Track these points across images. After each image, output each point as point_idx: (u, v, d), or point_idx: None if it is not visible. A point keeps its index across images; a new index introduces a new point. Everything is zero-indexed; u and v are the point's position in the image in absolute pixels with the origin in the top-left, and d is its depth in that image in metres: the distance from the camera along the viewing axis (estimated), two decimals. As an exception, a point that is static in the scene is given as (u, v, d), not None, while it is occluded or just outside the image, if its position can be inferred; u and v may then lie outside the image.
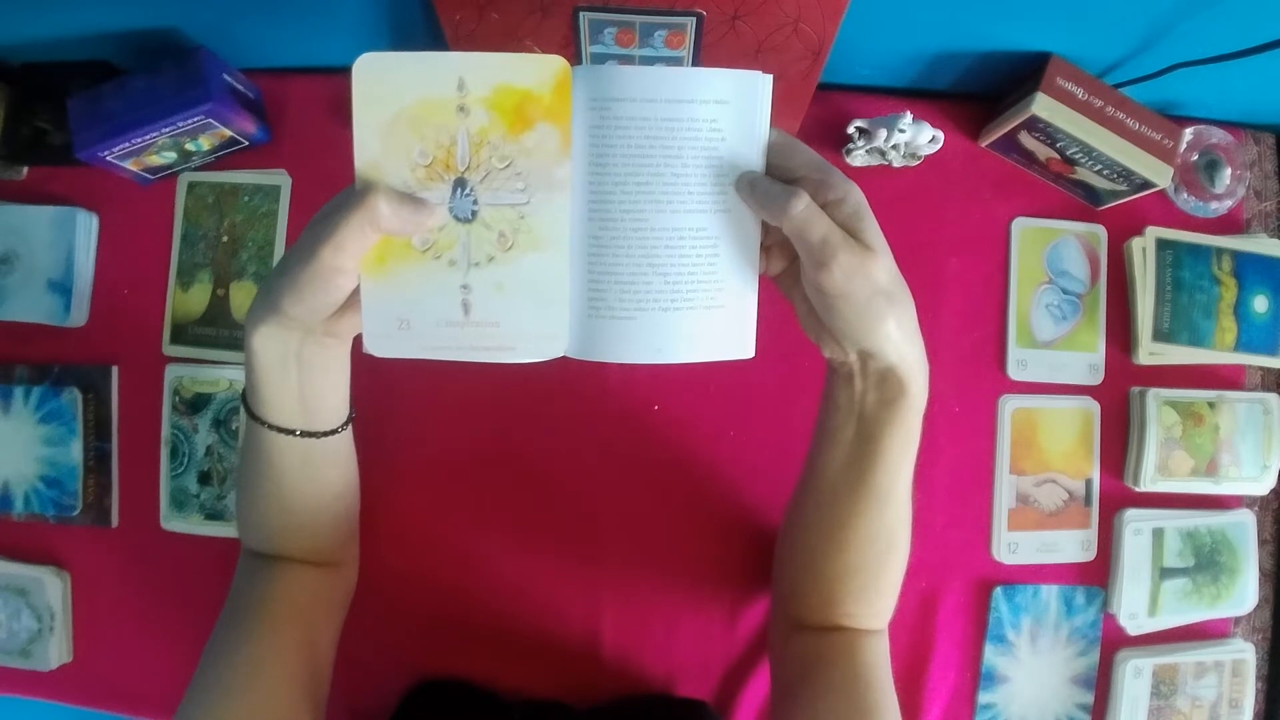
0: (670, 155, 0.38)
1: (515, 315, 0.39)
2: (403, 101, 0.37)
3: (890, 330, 0.39)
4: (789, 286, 0.42)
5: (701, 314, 0.40)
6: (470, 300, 0.39)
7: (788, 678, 0.52)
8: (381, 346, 0.39)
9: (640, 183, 0.38)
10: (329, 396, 0.46)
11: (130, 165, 0.66)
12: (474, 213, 0.38)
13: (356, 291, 0.39)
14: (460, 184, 0.38)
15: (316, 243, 0.36)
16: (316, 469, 0.48)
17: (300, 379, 0.43)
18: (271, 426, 0.45)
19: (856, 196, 0.38)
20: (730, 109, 0.38)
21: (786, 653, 0.53)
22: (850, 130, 0.66)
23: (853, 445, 0.45)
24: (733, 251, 0.40)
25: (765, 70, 0.39)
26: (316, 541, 0.53)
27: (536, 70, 0.37)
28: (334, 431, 0.47)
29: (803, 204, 0.37)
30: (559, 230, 0.39)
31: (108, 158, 0.63)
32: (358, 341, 0.42)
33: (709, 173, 0.39)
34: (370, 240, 0.37)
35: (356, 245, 0.36)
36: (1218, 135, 0.71)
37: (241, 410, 0.46)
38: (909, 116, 0.64)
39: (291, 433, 0.45)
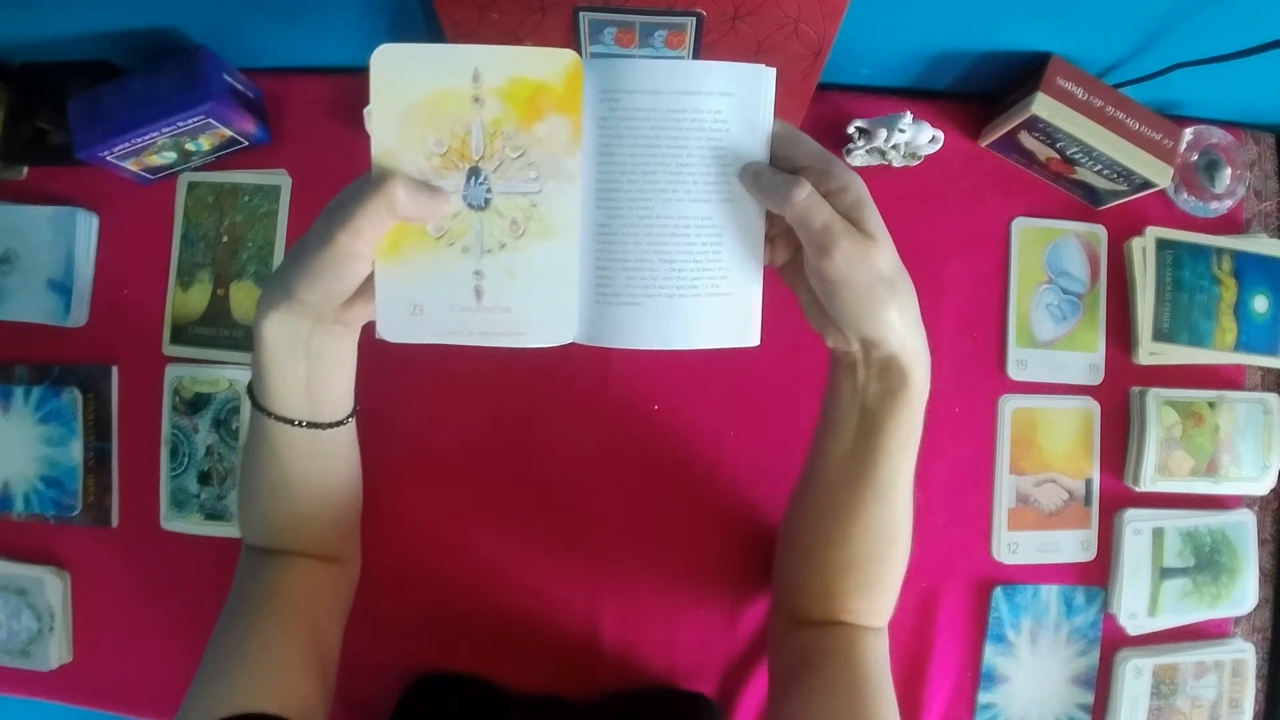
0: (676, 145, 0.39)
1: (526, 301, 0.40)
2: (419, 92, 0.38)
3: (892, 318, 0.39)
4: (793, 277, 0.42)
5: (707, 301, 0.40)
6: (482, 286, 0.40)
7: (785, 671, 0.52)
8: (394, 332, 0.40)
9: (647, 172, 0.39)
10: (335, 387, 0.46)
11: (130, 165, 0.66)
12: (487, 201, 0.39)
13: (368, 280, 0.39)
14: (474, 173, 0.39)
15: (333, 228, 0.36)
16: (320, 462, 0.49)
17: (308, 368, 0.43)
18: (277, 417, 0.45)
19: (858, 186, 0.39)
20: (734, 101, 0.39)
21: (785, 647, 0.53)
22: (850, 130, 0.66)
23: (855, 437, 0.45)
24: (737, 240, 0.40)
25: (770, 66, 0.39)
26: (319, 535, 0.53)
27: (549, 63, 0.38)
28: (339, 424, 0.47)
29: (805, 192, 0.37)
30: (570, 218, 0.40)
31: (108, 158, 0.63)
32: (365, 336, 0.42)
33: (714, 163, 0.39)
34: (386, 226, 0.37)
35: (373, 231, 0.37)
36: (1218, 135, 0.71)
37: (245, 404, 0.46)
38: (909, 116, 0.64)
39: (297, 424, 0.45)
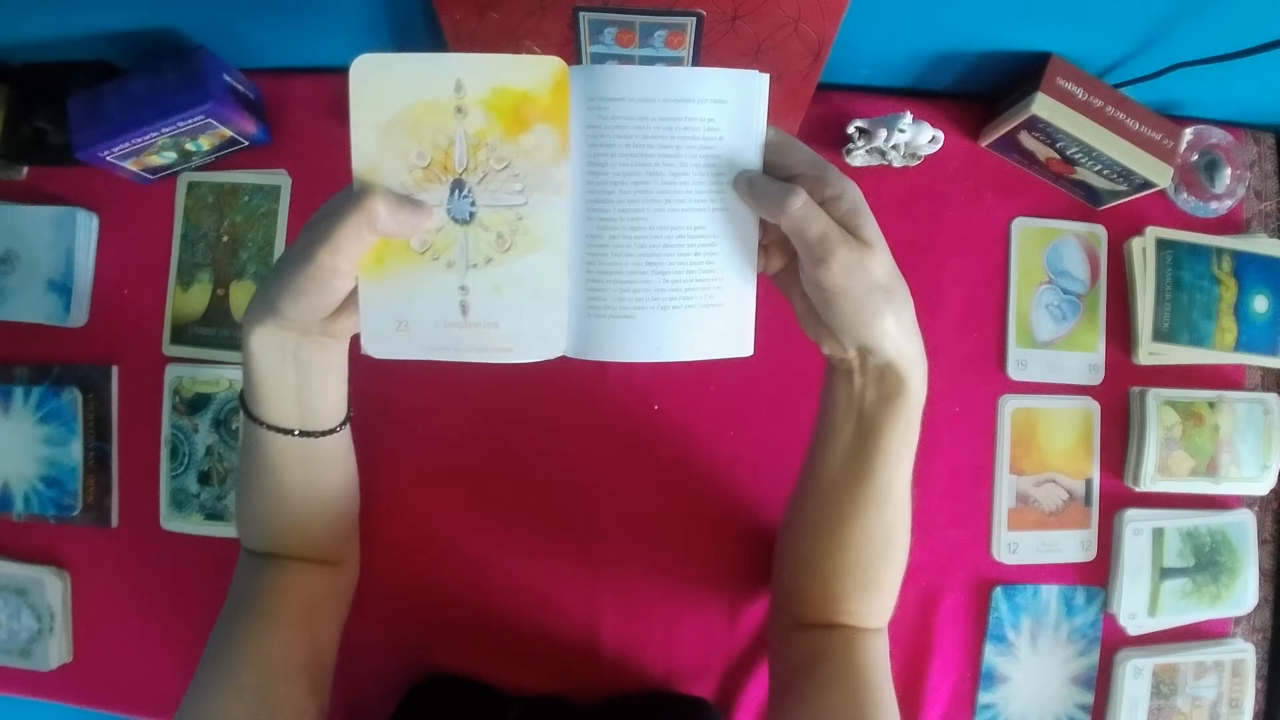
0: (668, 154, 0.38)
1: (513, 316, 0.39)
2: (400, 103, 0.37)
3: (889, 326, 0.39)
4: (788, 284, 0.42)
5: (700, 312, 0.40)
6: (468, 301, 0.39)
7: (786, 674, 0.52)
8: (379, 348, 0.39)
9: (638, 182, 0.38)
10: (327, 396, 0.46)
11: (130, 165, 0.66)
12: (472, 214, 0.38)
13: (354, 291, 0.39)
14: (458, 185, 0.38)
15: (313, 244, 0.36)
16: (315, 468, 0.48)
17: (298, 379, 0.43)
18: (270, 427, 0.45)
19: (853, 193, 0.38)
20: (727, 108, 0.38)
21: (785, 650, 0.53)
22: (850, 130, 0.66)
23: (852, 442, 0.45)
24: (731, 249, 0.40)
25: (765, 70, 0.39)
26: (316, 540, 0.53)
27: (534, 71, 0.37)
28: (332, 431, 0.47)
29: (800, 200, 0.37)
30: (557, 231, 0.39)
31: (108, 158, 0.63)
32: (356, 340, 0.42)
33: (707, 171, 0.39)
34: (367, 242, 0.37)
35: (353, 247, 0.36)
36: (1218, 135, 0.71)
37: (240, 411, 0.46)
38: (909, 116, 0.64)
39: (290, 433, 0.45)
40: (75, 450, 0.68)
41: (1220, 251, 0.69)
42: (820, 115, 0.67)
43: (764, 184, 0.38)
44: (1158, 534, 0.68)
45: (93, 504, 0.68)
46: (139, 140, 0.62)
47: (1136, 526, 0.68)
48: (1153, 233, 0.69)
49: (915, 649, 0.67)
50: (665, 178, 0.38)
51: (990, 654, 0.68)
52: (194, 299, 0.69)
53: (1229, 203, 0.71)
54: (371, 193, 0.36)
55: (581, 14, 0.53)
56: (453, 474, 0.67)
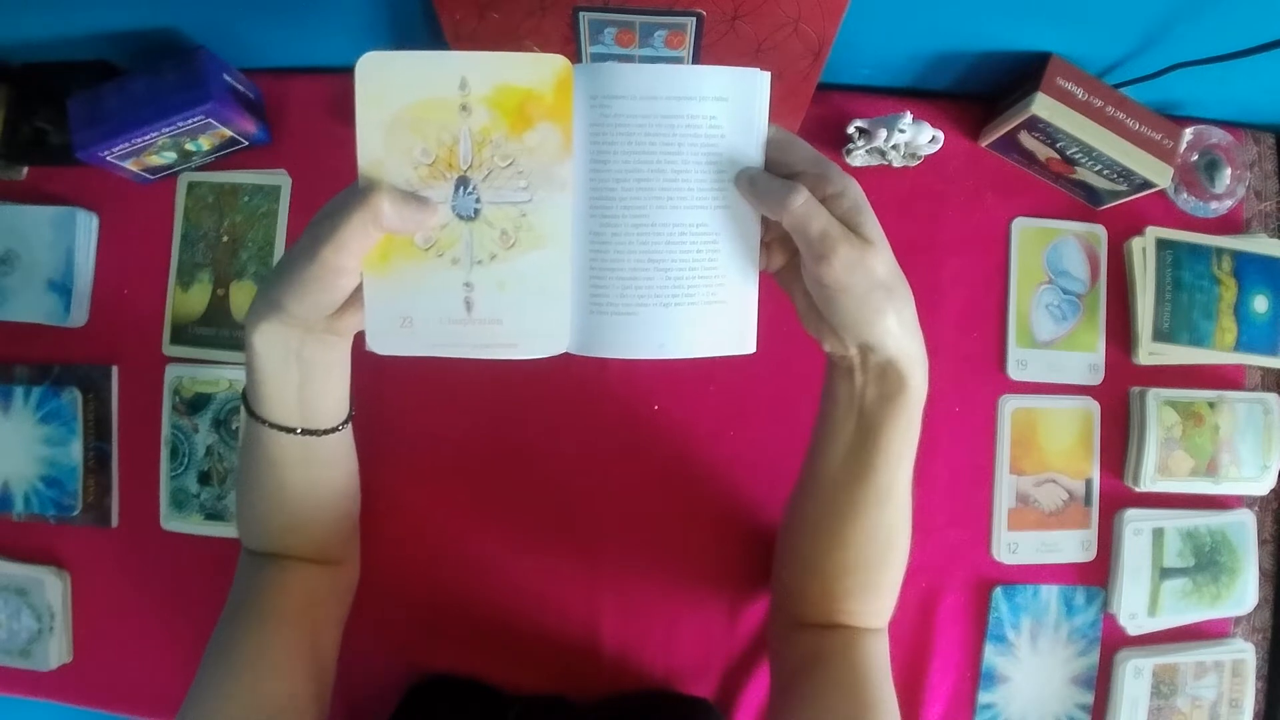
0: (670, 152, 0.38)
1: (517, 313, 0.40)
2: (405, 100, 0.37)
3: (890, 323, 0.39)
4: (789, 282, 0.42)
5: (702, 309, 0.40)
6: (473, 298, 0.39)
7: (786, 675, 0.52)
8: (384, 344, 0.40)
9: (641, 179, 0.38)
10: (329, 394, 0.46)
11: (130, 165, 0.66)
12: (476, 211, 0.39)
13: (358, 289, 0.39)
14: (463, 182, 0.38)
15: (318, 241, 0.36)
16: (316, 467, 0.48)
17: (301, 377, 0.43)
18: (271, 425, 0.45)
19: (855, 191, 0.38)
20: (729, 106, 0.39)
21: (786, 650, 0.53)
22: (850, 130, 0.66)
23: (853, 440, 0.45)
24: (733, 247, 0.40)
25: (765, 70, 0.39)
26: (317, 540, 0.53)
27: (538, 69, 0.37)
28: (334, 430, 0.47)
29: (802, 198, 0.37)
30: (561, 228, 0.39)
31: (108, 158, 0.63)
32: (358, 339, 0.42)
33: (709, 169, 0.39)
34: (372, 239, 0.37)
35: (359, 244, 0.36)
36: (1218, 135, 0.71)
37: (241, 409, 0.46)
38: (909, 116, 0.64)
39: (292, 431, 0.45)
40: (75, 450, 0.68)
41: (1220, 251, 0.69)
42: (820, 115, 0.67)
43: (765, 181, 0.38)
44: (1158, 534, 0.68)
45: (93, 504, 0.68)
46: (139, 140, 0.62)
47: (1136, 526, 0.68)
48: (1153, 233, 0.69)
49: (915, 649, 0.67)
50: (668, 175, 0.39)
51: (990, 654, 0.68)
52: (194, 299, 0.69)
53: (1229, 203, 0.71)
54: (377, 190, 0.36)
55: (581, 14, 0.53)
56: (453, 473, 0.67)
